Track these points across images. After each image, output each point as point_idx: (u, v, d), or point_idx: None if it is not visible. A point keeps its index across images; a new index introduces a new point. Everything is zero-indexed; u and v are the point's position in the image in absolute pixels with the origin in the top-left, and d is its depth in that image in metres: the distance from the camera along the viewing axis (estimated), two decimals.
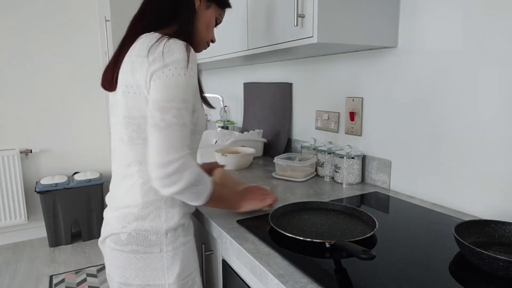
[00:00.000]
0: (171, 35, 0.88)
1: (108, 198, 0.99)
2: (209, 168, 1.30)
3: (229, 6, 1.05)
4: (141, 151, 0.89)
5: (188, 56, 0.83)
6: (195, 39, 0.96)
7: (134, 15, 0.96)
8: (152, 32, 0.90)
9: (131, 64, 0.86)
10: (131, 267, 0.89)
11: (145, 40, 0.87)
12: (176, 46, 0.82)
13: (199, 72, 0.93)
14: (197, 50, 1.02)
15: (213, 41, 1.04)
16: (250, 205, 1.04)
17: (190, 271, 0.96)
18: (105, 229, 0.96)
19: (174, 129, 0.81)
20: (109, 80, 0.93)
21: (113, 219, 0.92)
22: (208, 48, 1.86)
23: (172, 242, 0.91)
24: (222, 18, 1.05)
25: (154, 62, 0.82)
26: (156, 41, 0.84)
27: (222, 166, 1.33)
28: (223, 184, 1.23)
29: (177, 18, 0.93)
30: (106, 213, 0.97)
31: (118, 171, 0.94)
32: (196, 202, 0.88)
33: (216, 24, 1.04)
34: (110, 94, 0.96)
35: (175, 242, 0.92)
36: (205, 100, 0.99)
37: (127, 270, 0.90)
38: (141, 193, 0.89)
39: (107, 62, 0.97)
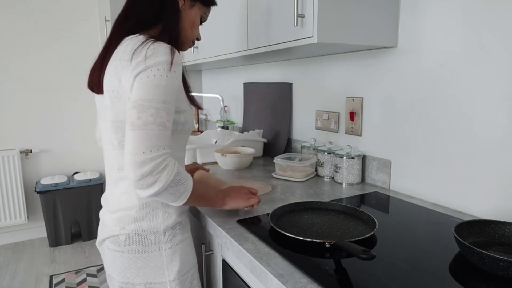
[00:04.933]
0: (156, 37, 0.87)
1: (104, 200, 0.99)
2: (190, 170, 1.27)
3: (214, 3, 1.05)
4: None
5: (172, 59, 0.82)
6: (180, 39, 0.96)
7: (118, 15, 0.95)
8: (137, 35, 0.89)
9: (115, 68, 0.85)
10: (132, 267, 0.90)
11: (130, 43, 0.86)
12: (160, 49, 0.81)
13: (185, 73, 0.93)
14: (183, 49, 1.01)
15: (198, 39, 1.04)
16: (234, 203, 1.00)
17: (189, 267, 0.97)
18: (102, 231, 0.96)
19: (151, 128, 0.78)
20: (96, 83, 0.93)
21: (110, 221, 0.92)
22: (208, 48, 1.87)
23: (170, 240, 0.92)
24: (207, 16, 1.05)
25: (137, 65, 0.81)
26: (141, 45, 0.83)
27: (205, 169, 1.29)
28: (206, 183, 1.19)
29: (161, 19, 0.92)
30: (103, 215, 0.97)
31: (112, 174, 0.94)
32: (175, 203, 0.85)
33: (201, 22, 1.04)
34: (97, 97, 0.96)
35: (173, 240, 0.93)
36: (192, 100, 0.97)
37: (128, 270, 0.91)
38: (137, 195, 0.89)
39: (93, 63, 0.96)
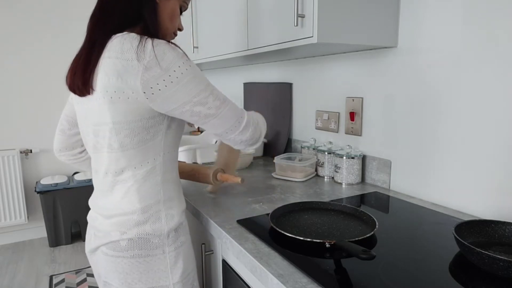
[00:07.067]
0: (141, 34, 0.85)
1: (95, 206, 0.94)
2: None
3: None
4: (134, 155, 0.86)
5: (180, 50, 0.83)
6: (160, 32, 0.93)
7: (93, 13, 0.92)
8: (125, 32, 0.85)
9: (115, 68, 0.80)
10: (134, 271, 0.88)
11: (124, 41, 0.81)
12: (164, 46, 0.81)
13: None
14: None
15: (180, 29, 1.01)
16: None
17: (191, 268, 0.97)
18: (96, 237, 0.92)
19: (223, 106, 0.88)
20: (80, 84, 0.85)
21: (108, 226, 0.89)
22: (208, 48, 1.87)
23: (173, 242, 0.91)
24: (188, 5, 1.01)
25: (150, 67, 0.78)
26: (140, 42, 0.80)
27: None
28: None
29: (141, 15, 0.89)
30: (94, 220, 0.93)
31: (106, 179, 0.89)
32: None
33: (181, 12, 1.00)
34: (79, 99, 0.90)
35: (176, 242, 0.92)
36: None
37: (130, 275, 0.88)
38: (138, 198, 0.87)
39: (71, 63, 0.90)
